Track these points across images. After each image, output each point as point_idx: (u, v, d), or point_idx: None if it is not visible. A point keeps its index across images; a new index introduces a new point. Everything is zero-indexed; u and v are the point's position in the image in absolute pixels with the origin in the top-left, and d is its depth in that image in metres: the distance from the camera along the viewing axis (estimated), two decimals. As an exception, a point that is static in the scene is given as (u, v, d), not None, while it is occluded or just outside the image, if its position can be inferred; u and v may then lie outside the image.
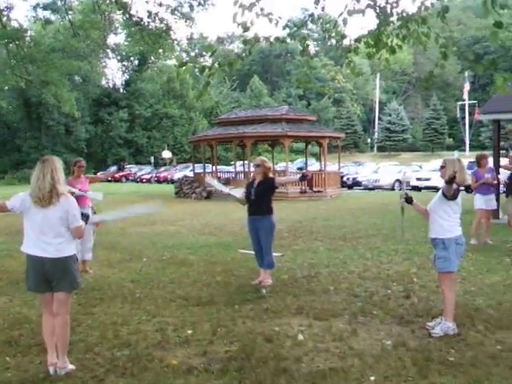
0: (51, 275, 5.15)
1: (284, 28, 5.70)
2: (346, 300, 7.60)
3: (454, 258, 6.15)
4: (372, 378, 4.91)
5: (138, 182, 56.01)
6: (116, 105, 70.84)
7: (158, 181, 54.00)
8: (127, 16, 23.07)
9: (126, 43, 60.32)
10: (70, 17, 24.80)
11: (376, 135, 79.03)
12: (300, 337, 6.08)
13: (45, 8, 27.09)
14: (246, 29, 5.03)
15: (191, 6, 24.50)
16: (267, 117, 29.51)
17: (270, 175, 9.10)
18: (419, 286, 8.26)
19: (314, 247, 12.05)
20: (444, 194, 6.05)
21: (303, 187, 27.41)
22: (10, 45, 22.46)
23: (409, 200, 6.40)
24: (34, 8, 26.83)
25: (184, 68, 5.17)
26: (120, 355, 5.65)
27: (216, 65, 5.15)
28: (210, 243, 13.08)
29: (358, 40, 5.77)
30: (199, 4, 24.22)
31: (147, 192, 37.23)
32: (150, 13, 23.20)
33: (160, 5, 23.32)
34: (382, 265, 9.90)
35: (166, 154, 64.04)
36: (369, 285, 8.45)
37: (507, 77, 4.82)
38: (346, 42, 5.90)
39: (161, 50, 27.31)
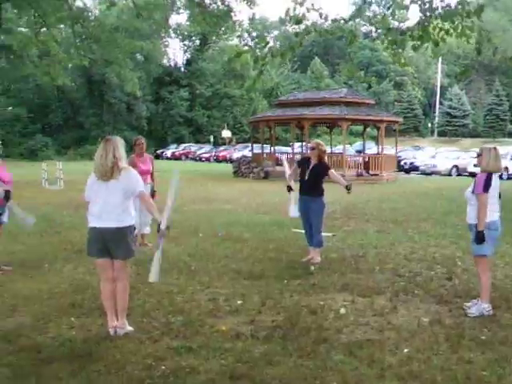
0: (110, 243, 5.68)
1: (333, 21, 6.03)
2: (390, 279, 7.94)
3: (488, 243, 6.39)
4: (405, 350, 5.27)
5: (197, 161, 56.95)
6: (177, 84, 71.77)
7: (217, 160, 54.71)
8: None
9: (187, 23, 61.00)
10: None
11: (436, 120, 77.87)
12: (342, 310, 6.49)
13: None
14: (298, 22, 5.40)
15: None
16: (326, 99, 29.65)
17: (326, 158, 9.51)
18: (462, 269, 8.53)
19: (364, 229, 12.37)
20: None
21: (359, 170, 27.66)
22: (76, 25, 23.30)
23: None
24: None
25: (240, 57, 5.60)
26: (174, 320, 6.17)
27: (269, 55, 5.54)
28: (264, 221, 13.52)
29: (403, 33, 6.05)
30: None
31: (206, 171, 37.97)
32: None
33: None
34: (429, 248, 10.18)
35: (226, 134, 64.62)
36: (414, 266, 8.77)
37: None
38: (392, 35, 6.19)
39: (222, 31, 27.79)
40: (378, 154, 30.24)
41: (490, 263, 6.81)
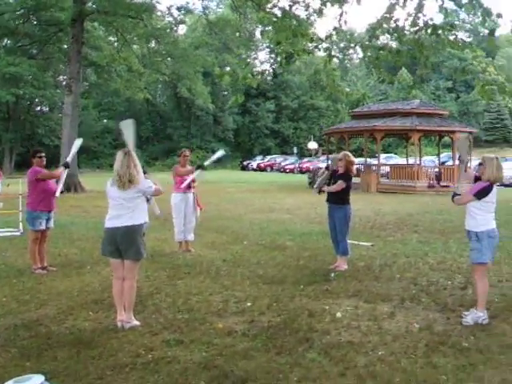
0: (121, 244, 6.30)
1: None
2: (404, 287, 8.13)
3: (486, 251, 6.54)
4: (380, 353, 5.51)
5: (281, 172, 57.69)
6: (263, 96, 72.90)
7: (301, 171, 55.14)
8: (262, 13, 24.27)
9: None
10: (207, 16, 26.48)
11: (527, 129, 75.22)
12: (338, 314, 6.77)
13: (178, 9, 29.07)
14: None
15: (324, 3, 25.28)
16: (398, 110, 29.68)
17: (353, 169, 9.79)
18: (481, 280, 8.59)
19: (407, 239, 12.48)
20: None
21: (431, 181, 27.45)
22: (150, 42, 24.48)
23: None
24: (168, 9, 28.82)
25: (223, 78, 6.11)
26: (180, 318, 6.68)
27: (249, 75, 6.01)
28: (313, 231, 13.83)
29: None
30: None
31: (284, 182, 38.49)
32: (283, 10, 24.20)
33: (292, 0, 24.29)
34: (460, 258, 10.23)
35: (312, 145, 64.99)
36: (434, 275, 8.89)
37: None
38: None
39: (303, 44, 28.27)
40: (451, 165, 29.87)
41: (487, 271, 6.91)
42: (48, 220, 9.42)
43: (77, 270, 9.34)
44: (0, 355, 5.51)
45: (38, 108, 64.68)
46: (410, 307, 7.18)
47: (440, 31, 6.33)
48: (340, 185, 9.41)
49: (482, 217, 6.58)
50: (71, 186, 26.99)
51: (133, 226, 6.32)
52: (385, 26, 6.14)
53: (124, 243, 6.29)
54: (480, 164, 6.75)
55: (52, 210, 9.48)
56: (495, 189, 6.64)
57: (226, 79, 6.48)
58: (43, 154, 9.53)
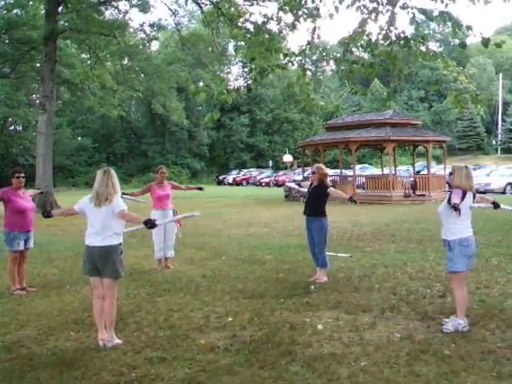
0: (98, 262, 6.29)
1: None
2: (384, 297, 8.18)
3: (458, 259, 6.58)
4: (362, 364, 5.55)
5: (257, 186, 57.58)
6: (238, 110, 73.04)
7: (277, 184, 55.15)
8: (234, 28, 24.45)
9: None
10: (180, 32, 26.54)
11: (499, 137, 76.03)
12: (320, 327, 6.80)
13: (151, 26, 29.11)
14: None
15: (297, 18, 25.53)
16: (372, 121, 29.89)
17: (328, 181, 9.83)
18: (459, 287, 8.68)
19: (385, 249, 12.56)
20: (449, 203, 6.58)
21: (407, 191, 27.67)
22: (124, 59, 24.47)
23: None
24: (141, 26, 28.87)
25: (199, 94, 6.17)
26: (162, 335, 6.66)
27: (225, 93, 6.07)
28: (291, 244, 13.87)
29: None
30: (303, 13, 24.98)
31: (260, 195, 38.47)
32: (255, 24, 24.37)
33: (265, 16, 24.45)
34: (438, 266, 10.32)
35: (287, 158, 65.20)
36: (413, 284, 8.96)
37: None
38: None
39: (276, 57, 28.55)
40: (426, 174, 30.12)
41: (465, 279, 6.97)
42: (27, 240, 9.31)
43: (56, 290, 9.25)
44: (-19, 379, 5.45)
45: (12, 127, 64.25)
46: (391, 317, 7.24)
47: (412, 42, 6.46)
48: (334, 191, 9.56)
49: (456, 225, 6.65)
50: (47, 205, 26.74)
51: (109, 247, 6.30)
52: (357, 39, 6.26)
53: (101, 262, 6.28)
54: (450, 173, 6.85)
55: (29, 230, 9.37)
56: (469, 198, 6.72)
57: (202, 96, 6.50)
58: (22, 175, 9.39)
